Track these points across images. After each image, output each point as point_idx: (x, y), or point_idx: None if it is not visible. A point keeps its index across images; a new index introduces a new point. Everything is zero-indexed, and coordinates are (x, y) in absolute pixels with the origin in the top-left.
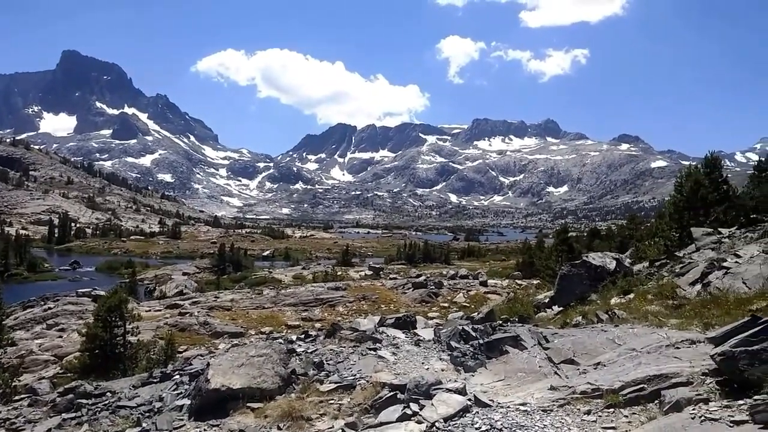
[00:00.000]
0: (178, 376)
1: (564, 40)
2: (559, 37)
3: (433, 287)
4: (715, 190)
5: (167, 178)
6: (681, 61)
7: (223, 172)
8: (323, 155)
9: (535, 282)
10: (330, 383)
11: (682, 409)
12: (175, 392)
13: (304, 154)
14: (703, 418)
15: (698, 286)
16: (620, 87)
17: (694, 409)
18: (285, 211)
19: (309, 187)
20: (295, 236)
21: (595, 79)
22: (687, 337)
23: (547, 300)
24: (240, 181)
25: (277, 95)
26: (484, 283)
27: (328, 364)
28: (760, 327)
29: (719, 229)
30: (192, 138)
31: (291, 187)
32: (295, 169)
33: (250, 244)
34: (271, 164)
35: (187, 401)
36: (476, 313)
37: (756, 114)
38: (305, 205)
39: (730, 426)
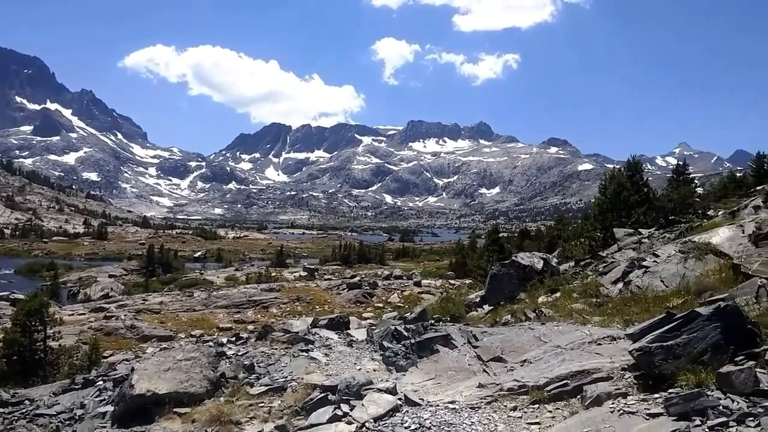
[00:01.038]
0: (101, 382)
1: (496, 45)
2: (491, 41)
3: (367, 288)
4: (637, 193)
5: (93, 176)
6: (606, 68)
7: (152, 171)
8: (257, 155)
9: (467, 281)
10: (260, 386)
11: (602, 404)
12: (98, 399)
13: (237, 153)
14: (621, 411)
15: (620, 285)
16: (549, 91)
17: (613, 403)
18: (218, 211)
19: (243, 187)
20: (228, 237)
21: (526, 84)
22: (608, 333)
23: (478, 299)
24: (170, 180)
25: (209, 93)
26: (418, 284)
27: (259, 366)
28: (674, 323)
29: (640, 230)
30: (119, 135)
31: (224, 187)
32: (228, 168)
33: (181, 245)
34: (204, 163)
35: (110, 408)
36: (409, 313)
37: (676, 120)
38: (239, 206)
39: (647, 419)
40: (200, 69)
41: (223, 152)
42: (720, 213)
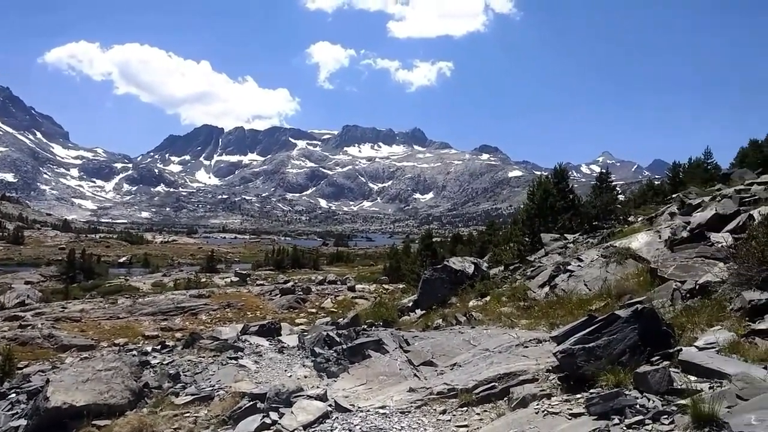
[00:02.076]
0: (14, 395)
1: (430, 53)
2: (426, 49)
3: (301, 293)
4: (563, 199)
5: (9, 177)
6: (535, 78)
7: (74, 172)
8: (188, 157)
9: (401, 286)
10: (186, 395)
11: (527, 405)
12: (10, 412)
13: (166, 155)
14: (545, 412)
15: (546, 288)
16: (482, 99)
17: (538, 404)
18: (145, 214)
19: (172, 189)
20: (155, 242)
21: (459, 91)
22: (535, 336)
23: (411, 304)
24: (94, 182)
25: (136, 92)
26: (352, 288)
27: (185, 375)
28: (595, 326)
29: (565, 235)
30: (39, 135)
31: (152, 189)
32: (156, 170)
33: (105, 250)
34: (130, 165)
35: (23, 422)
36: (342, 319)
37: (600, 129)
38: (167, 209)
39: (569, 419)
40: (127, 67)
41: (152, 154)
42: (639, 219)
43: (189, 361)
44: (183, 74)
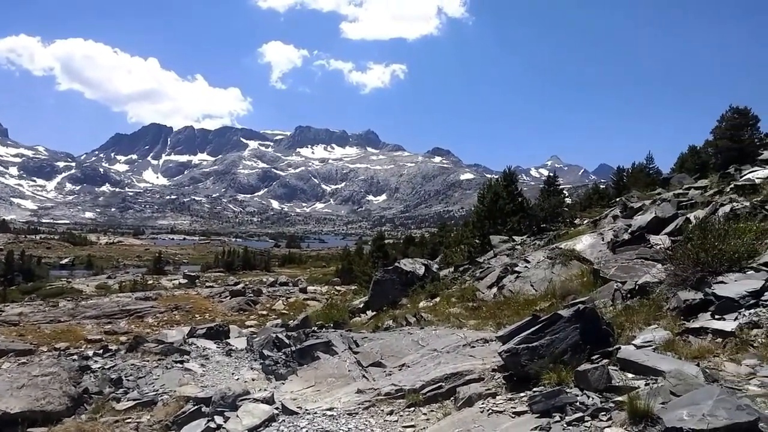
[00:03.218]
0: None
1: (384, 55)
2: (379, 51)
3: (251, 295)
4: (512, 202)
5: None
6: (487, 82)
7: (14, 170)
8: (135, 156)
9: (353, 287)
10: (128, 400)
11: (473, 404)
12: None
13: (112, 154)
14: (490, 411)
15: (494, 289)
16: (434, 102)
17: (483, 404)
18: (89, 215)
19: (118, 189)
20: (100, 243)
21: (412, 94)
22: (482, 336)
23: (362, 305)
24: (34, 181)
25: (80, 89)
26: (303, 290)
27: (128, 380)
28: (539, 325)
29: (514, 237)
30: None
31: (96, 189)
32: (101, 170)
33: (46, 251)
34: (73, 164)
35: None
36: (292, 321)
37: (549, 133)
38: (113, 209)
39: (513, 417)
40: (70, 63)
41: (96, 152)
42: (585, 222)
43: (132, 365)
44: (130, 71)
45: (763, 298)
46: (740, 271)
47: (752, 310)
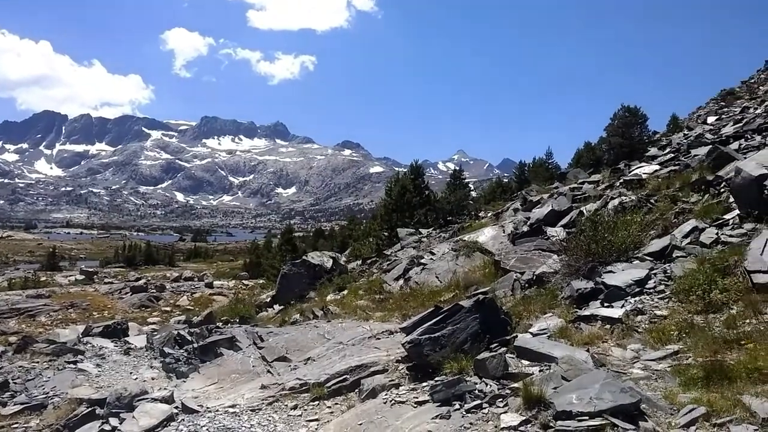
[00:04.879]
0: None
1: (292, 45)
2: (288, 41)
3: (154, 291)
4: (419, 195)
5: None
6: (396, 76)
7: None
8: (25, 145)
9: (261, 282)
10: (15, 404)
11: (377, 396)
12: None
13: (0, 143)
14: (393, 401)
15: (401, 281)
16: (344, 95)
17: (387, 395)
18: None
19: (7, 181)
20: None
21: (322, 86)
22: (387, 328)
23: (269, 299)
24: None
25: None
26: (210, 285)
27: (15, 383)
28: (441, 316)
29: (420, 230)
30: None
31: None
32: None
33: None
34: None
35: None
36: (196, 317)
37: (456, 128)
38: (1, 202)
39: (414, 407)
40: None
41: None
42: (488, 215)
43: (20, 367)
44: (19, 54)
45: (647, 286)
46: (627, 261)
47: (637, 298)
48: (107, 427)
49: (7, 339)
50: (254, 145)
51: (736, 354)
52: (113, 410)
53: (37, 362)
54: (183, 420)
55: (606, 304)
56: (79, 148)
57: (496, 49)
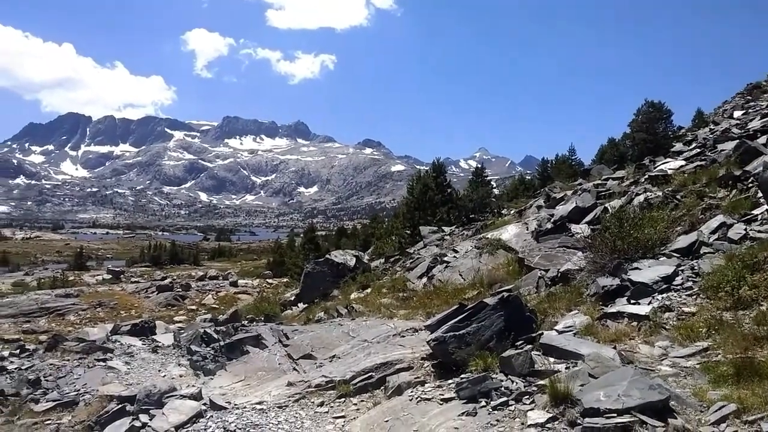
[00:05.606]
0: None
1: (312, 44)
2: (308, 40)
3: (180, 290)
4: (441, 193)
5: None
6: (417, 73)
7: None
8: (51, 147)
9: (284, 280)
10: (48, 401)
11: (402, 393)
12: None
13: (26, 144)
14: (419, 399)
15: (424, 279)
16: (365, 93)
17: (412, 392)
18: (3, 209)
19: (34, 182)
20: (15, 238)
21: (342, 85)
22: (411, 326)
23: (293, 297)
24: None
25: None
26: (234, 284)
27: (47, 380)
28: (465, 313)
29: (443, 228)
30: None
31: (10, 182)
32: (15, 161)
33: None
34: None
35: None
36: (222, 315)
37: (478, 126)
38: (29, 203)
39: (440, 404)
40: None
41: (9, 143)
42: (511, 212)
43: (51, 365)
44: (42, 57)
45: (674, 282)
46: (653, 258)
47: (664, 295)
48: (138, 423)
49: (37, 337)
50: (276, 145)
51: (767, 351)
52: (143, 407)
53: (68, 360)
54: (211, 416)
55: (632, 301)
56: (104, 149)
57: (517, 45)
